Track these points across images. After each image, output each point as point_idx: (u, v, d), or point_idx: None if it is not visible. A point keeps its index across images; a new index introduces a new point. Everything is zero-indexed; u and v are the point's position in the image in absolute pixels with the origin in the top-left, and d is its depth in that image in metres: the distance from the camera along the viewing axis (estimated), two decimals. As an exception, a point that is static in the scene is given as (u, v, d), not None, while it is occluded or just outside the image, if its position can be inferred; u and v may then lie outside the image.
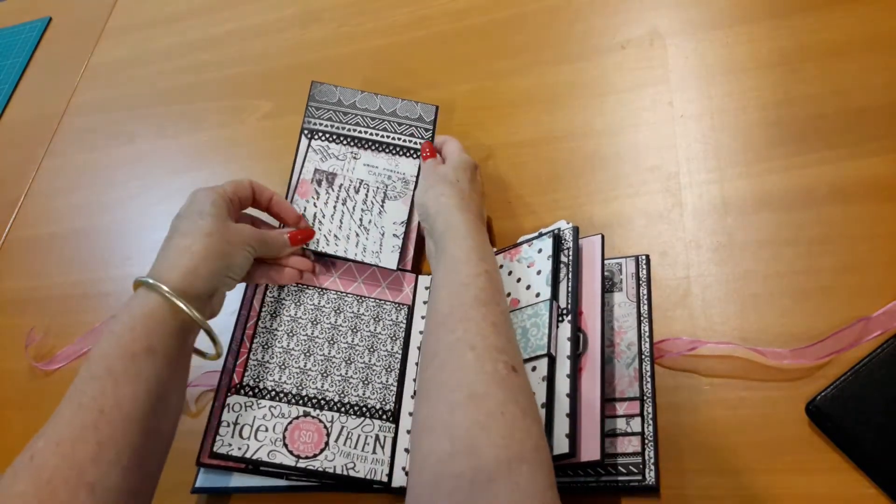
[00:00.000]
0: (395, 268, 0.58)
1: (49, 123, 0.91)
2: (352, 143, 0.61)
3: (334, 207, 0.60)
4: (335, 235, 0.59)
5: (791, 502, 0.44)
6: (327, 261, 0.59)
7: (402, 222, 0.60)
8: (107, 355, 0.42)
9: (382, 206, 0.60)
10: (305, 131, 0.62)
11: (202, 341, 0.50)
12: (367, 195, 0.60)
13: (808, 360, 0.48)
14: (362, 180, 0.61)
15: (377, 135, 0.62)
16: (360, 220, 0.59)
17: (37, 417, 0.66)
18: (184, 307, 0.45)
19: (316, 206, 0.60)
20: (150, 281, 0.45)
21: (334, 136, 0.62)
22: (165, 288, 0.45)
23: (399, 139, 0.62)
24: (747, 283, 0.52)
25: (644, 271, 0.54)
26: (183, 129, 0.82)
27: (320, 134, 0.62)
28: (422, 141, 0.62)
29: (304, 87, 0.67)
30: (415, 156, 0.62)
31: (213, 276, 0.48)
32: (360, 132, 0.62)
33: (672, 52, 0.65)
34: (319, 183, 0.61)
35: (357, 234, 0.59)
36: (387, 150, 0.61)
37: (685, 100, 0.62)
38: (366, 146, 0.61)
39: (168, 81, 0.88)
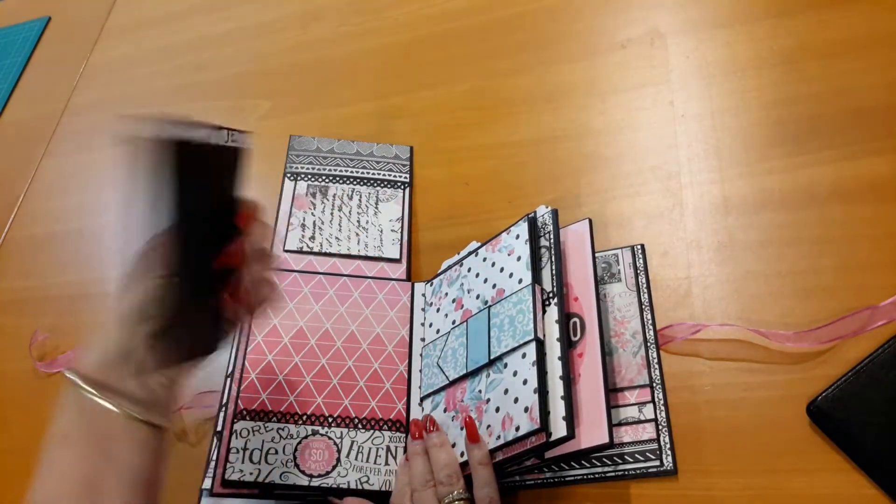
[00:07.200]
0: (397, 257, 0.59)
1: (48, 123, 0.90)
2: (335, 181, 0.64)
3: (331, 214, 0.62)
4: (336, 238, 0.60)
5: (791, 502, 0.44)
6: (324, 277, 0.59)
7: (398, 219, 0.62)
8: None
9: (377, 208, 0.63)
10: (289, 174, 0.64)
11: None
12: (360, 200, 0.63)
13: (811, 343, 0.48)
14: (354, 188, 0.63)
15: (358, 172, 0.65)
16: (358, 221, 0.62)
17: (36, 418, 0.66)
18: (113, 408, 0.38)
19: (314, 216, 0.62)
20: (71, 377, 0.38)
21: (317, 177, 0.64)
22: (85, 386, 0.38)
23: (379, 174, 0.65)
24: (748, 283, 0.52)
25: (640, 261, 0.54)
26: (182, 129, 0.82)
27: (304, 175, 0.64)
28: (403, 176, 0.64)
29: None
30: (397, 186, 0.64)
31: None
32: (340, 171, 0.65)
33: (673, 51, 0.65)
34: (314, 195, 0.63)
35: (357, 234, 0.61)
36: (369, 184, 0.64)
37: (686, 99, 0.62)
38: (348, 182, 0.64)
39: (168, 81, 0.88)
